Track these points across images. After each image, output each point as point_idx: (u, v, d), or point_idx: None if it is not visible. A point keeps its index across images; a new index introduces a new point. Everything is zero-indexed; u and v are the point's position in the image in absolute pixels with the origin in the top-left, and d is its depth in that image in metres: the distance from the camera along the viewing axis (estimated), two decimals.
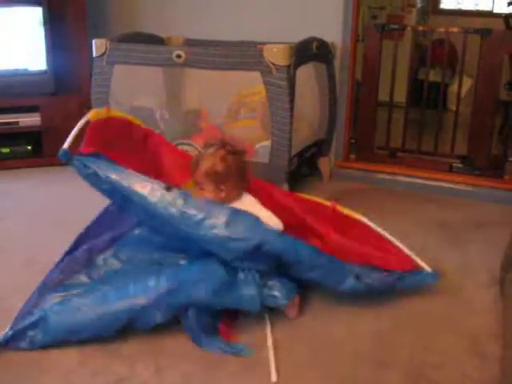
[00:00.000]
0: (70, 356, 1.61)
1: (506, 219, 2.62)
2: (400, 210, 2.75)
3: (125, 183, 1.72)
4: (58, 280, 1.80)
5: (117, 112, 2.02)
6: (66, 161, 1.75)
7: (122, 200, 1.77)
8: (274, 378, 1.53)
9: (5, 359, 1.59)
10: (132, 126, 2.04)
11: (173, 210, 1.67)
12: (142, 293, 1.68)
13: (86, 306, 1.68)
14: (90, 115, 1.85)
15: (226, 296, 1.70)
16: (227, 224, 1.66)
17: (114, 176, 1.72)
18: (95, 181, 1.75)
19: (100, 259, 1.88)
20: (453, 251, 2.30)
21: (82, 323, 1.65)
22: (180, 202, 1.68)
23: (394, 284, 1.88)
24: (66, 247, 1.93)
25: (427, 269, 1.95)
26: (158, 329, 1.71)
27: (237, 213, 1.70)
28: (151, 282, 1.70)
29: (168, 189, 1.70)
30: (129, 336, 1.69)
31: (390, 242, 2.00)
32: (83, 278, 1.82)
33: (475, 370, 1.58)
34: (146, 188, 1.71)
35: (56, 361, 1.59)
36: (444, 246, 2.35)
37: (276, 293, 1.74)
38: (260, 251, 1.67)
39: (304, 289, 1.92)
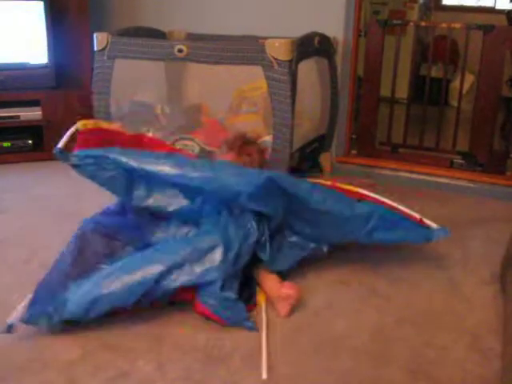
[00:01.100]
0: (71, 350, 1.61)
1: (508, 216, 2.62)
2: None
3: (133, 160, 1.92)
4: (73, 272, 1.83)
5: (105, 123, 2.18)
6: (63, 158, 1.87)
7: (128, 180, 1.93)
8: (264, 375, 1.52)
9: (7, 352, 1.59)
10: (122, 134, 2.17)
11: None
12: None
13: (106, 276, 1.71)
14: (78, 124, 1.97)
15: None
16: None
17: (119, 156, 1.92)
18: (96, 170, 1.90)
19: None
20: (453, 247, 2.30)
21: (101, 293, 1.67)
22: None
23: (409, 228, 2.00)
24: (67, 241, 1.94)
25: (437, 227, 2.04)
26: (161, 324, 1.72)
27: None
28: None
29: None
30: (132, 331, 1.69)
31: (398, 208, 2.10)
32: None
33: (476, 366, 1.58)
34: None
35: (58, 355, 1.59)
36: (445, 241, 2.34)
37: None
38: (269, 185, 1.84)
39: (304, 284, 1.93)
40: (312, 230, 1.98)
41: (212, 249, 1.77)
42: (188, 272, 1.73)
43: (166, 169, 1.90)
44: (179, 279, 1.71)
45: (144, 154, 2.00)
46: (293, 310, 1.80)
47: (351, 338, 1.70)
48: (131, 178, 1.94)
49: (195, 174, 1.89)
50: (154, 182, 1.94)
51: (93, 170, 1.92)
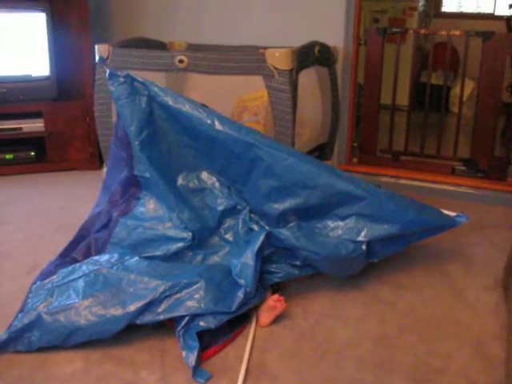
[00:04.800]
0: (74, 362, 1.61)
1: (510, 222, 2.62)
2: None
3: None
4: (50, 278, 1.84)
5: None
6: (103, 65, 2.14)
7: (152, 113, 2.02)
8: None
9: (9, 364, 1.60)
10: None
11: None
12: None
13: (84, 308, 1.67)
14: None
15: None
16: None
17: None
18: (130, 91, 2.05)
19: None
20: (456, 254, 2.30)
21: (80, 325, 1.64)
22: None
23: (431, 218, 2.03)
24: None
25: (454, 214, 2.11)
26: (164, 335, 1.72)
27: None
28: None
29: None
30: (135, 342, 1.69)
31: None
32: (83, 267, 1.84)
33: (479, 373, 1.58)
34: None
35: (61, 366, 1.59)
36: (447, 248, 2.34)
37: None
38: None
39: (306, 292, 1.93)
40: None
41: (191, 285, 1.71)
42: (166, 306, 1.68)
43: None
44: (161, 313, 1.66)
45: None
46: (274, 321, 1.79)
47: (354, 346, 1.70)
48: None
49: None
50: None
51: (128, 93, 2.05)
